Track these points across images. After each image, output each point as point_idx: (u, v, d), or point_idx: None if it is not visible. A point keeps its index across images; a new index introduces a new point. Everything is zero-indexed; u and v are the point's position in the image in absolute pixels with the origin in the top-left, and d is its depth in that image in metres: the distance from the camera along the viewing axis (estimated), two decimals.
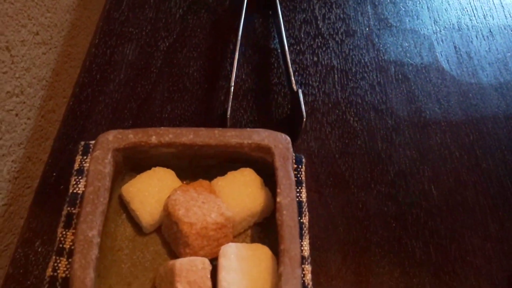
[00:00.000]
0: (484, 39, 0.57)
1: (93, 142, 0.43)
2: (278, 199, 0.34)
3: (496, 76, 0.54)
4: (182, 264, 0.32)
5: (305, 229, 0.41)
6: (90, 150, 0.43)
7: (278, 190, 0.34)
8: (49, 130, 0.53)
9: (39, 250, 0.39)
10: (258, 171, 0.39)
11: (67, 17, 0.57)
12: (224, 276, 0.32)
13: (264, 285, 0.32)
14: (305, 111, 0.44)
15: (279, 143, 0.37)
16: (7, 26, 0.43)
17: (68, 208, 0.40)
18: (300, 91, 0.45)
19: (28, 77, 0.47)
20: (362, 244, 0.41)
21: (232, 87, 0.46)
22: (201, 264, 0.32)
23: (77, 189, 0.41)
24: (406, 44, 0.55)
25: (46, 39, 0.52)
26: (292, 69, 0.49)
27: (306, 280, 0.38)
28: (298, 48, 0.54)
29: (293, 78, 0.47)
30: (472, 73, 0.54)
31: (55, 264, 0.37)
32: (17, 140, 0.46)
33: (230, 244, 0.34)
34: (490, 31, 0.58)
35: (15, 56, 0.44)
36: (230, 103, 0.45)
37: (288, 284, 0.30)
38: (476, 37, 0.57)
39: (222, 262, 0.33)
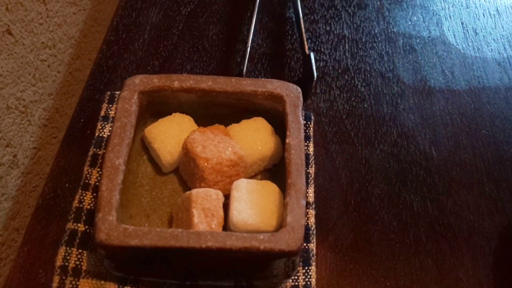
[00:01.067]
0: (491, 17, 0.59)
1: (118, 92, 0.47)
2: (287, 140, 0.37)
3: (500, 51, 0.56)
4: (198, 192, 0.35)
5: (311, 178, 0.44)
6: (115, 99, 0.46)
7: (288, 133, 0.37)
8: (75, 88, 0.57)
9: (66, 186, 0.43)
10: (269, 121, 0.42)
11: None
12: (235, 206, 0.36)
13: (272, 215, 0.35)
14: (316, 75, 0.47)
15: (290, 92, 0.40)
16: None
17: (94, 149, 0.43)
18: (312, 54, 0.48)
19: (59, 32, 0.51)
20: (364, 196, 0.44)
21: (248, 50, 0.49)
22: (215, 194, 0.36)
23: (103, 133, 0.45)
24: (415, 18, 0.58)
25: (77, 0, 0.55)
26: (305, 36, 0.52)
27: (310, 223, 0.41)
28: (312, 17, 0.57)
29: (306, 44, 0.50)
30: (477, 48, 0.56)
31: (81, 197, 0.41)
32: (48, 90, 0.50)
33: (242, 179, 0.37)
34: (497, 9, 0.60)
35: (50, 10, 0.48)
36: (245, 65, 0.49)
37: (293, 212, 0.34)
38: (483, 14, 0.60)
39: (234, 194, 0.36)
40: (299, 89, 0.40)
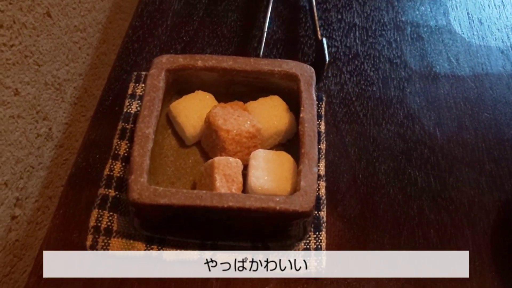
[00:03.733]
0: (496, 8, 0.62)
1: (144, 72, 0.51)
2: (301, 115, 0.40)
3: (504, 40, 0.59)
4: (220, 160, 0.39)
5: (322, 154, 0.47)
6: (142, 78, 0.50)
7: (302, 108, 0.41)
8: (101, 70, 0.61)
9: (97, 156, 0.46)
10: (284, 99, 0.45)
11: None
12: (253, 173, 0.39)
13: (286, 181, 0.39)
14: (328, 59, 0.51)
15: (304, 71, 0.43)
16: None
17: (123, 124, 0.47)
18: (324, 39, 0.52)
19: (89, 17, 0.55)
20: (371, 171, 0.48)
21: (264, 36, 0.53)
22: (235, 162, 0.39)
23: (130, 109, 0.48)
24: (423, 8, 0.61)
25: None
26: (318, 23, 0.55)
27: (320, 193, 0.44)
28: (324, 6, 0.60)
29: (318, 30, 0.54)
30: (482, 37, 0.59)
31: (111, 166, 0.45)
32: (78, 70, 0.53)
33: (259, 149, 0.41)
34: (502, 1, 0.63)
35: None
36: (262, 50, 0.52)
37: (306, 178, 0.37)
38: (489, 5, 0.62)
39: (252, 162, 0.40)
40: (312, 69, 0.44)
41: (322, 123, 0.49)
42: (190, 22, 0.57)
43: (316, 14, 0.55)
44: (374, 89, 0.54)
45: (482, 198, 0.47)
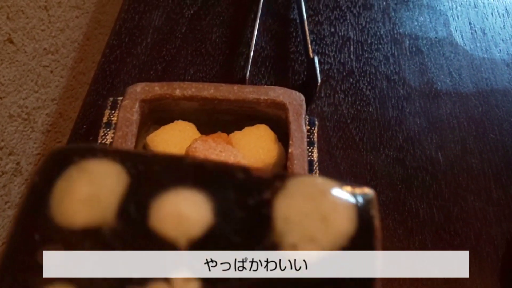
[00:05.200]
0: (500, 17, 0.58)
1: (121, 98, 0.47)
2: (290, 150, 0.36)
3: (509, 52, 0.55)
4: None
5: None
6: (118, 105, 0.46)
7: (290, 142, 0.37)
8: (79, 91, 0.57)
9: None
10: (273, 128, 0.41)
11: None
12: None
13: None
14: (320, 78, 0.47)
15: (293, 100, 0.39)
16: None
17: None
18: (316, 58, 0.48)
19: (62, 37, 0.51)
20: None
21: (252, 53, 0.49)
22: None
23: (105, 140, 0.44)
24: (422, 19, 0.57)
25: (79, 4, 0.55)
26: (309, 38, 0.51)
27: None
28: (316, 19, 0.56)
29: (310, 46, 0.50)
30: (485, 48, 0.55)
31: None
32: (51, 95, 0.49)
33: None
34: (506, 9, 0.59)
35: (52, 16, 0.48)
36: (249, 69, 0.48)
37: None
38: (492, 14, 0.58)
39: None
40: (302, 97, 0.40)
41: (315, 151, 0.45)
42: (172, 40, 0.53)
43: (307, 28, 0.51)
44: (370, 109, 0.50)
45: (489, 230, 0.43)
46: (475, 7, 0.59)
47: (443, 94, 0.51)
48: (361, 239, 0.19)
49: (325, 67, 0.52)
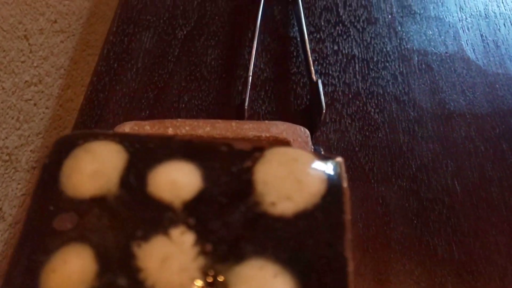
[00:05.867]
0: None
1: (110, 131, 0.43)
2: None
3: None
4: None
5: None
6: None
7: None
8: (67, 120, 0.53)
9: None
10: None
11: (85, 5, 0.57)
12: None
13: None
14: (325, 102, 0.43)
15: (298, 136, 0.36)
16: (25, 14, 0.43)
17: None
18: (319, 81, 0.44)
19: (46, 65, 0.47)
20: (382, 241, 0.40)
21: (250, 77, 0.45)
22: None
23: None
24: (430, 32, 0.54)
25: (64, 27, 0.51)
26: (311, 58, 0.48)
27: None
28: (318, 36, 0.52)
29: (312, 68, 0.46)
30: (499, 63, 0.52)
31: None
32: (36, 129, 0.46)
33: None
34: None
35: (33, 44, 0.44)
36: (248, 94, 0.45)
37: None
38: (504, 25, 0.55)
39: None
40: (307, 132, 0.36)
41: None
42: (164, 64, 0.50)
43: (308, 47, 0.48)
44: (380, 135, 0.46)
45: None
46: (486, 17, 0.55)
47: (457, 115, 0.48)
48: (331, 196, 0.22)
49: (329, 89, 0.49)
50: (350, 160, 0.44)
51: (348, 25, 0.54)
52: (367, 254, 0.40)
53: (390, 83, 0.49)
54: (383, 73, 0.50)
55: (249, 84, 0.45)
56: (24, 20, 0.43)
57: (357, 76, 0.50)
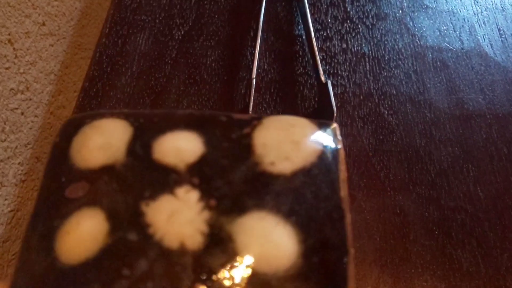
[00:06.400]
0: None
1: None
2: None
3: None
4: None
5: None
6: None
7: None
8: (58, 128, 0.50)
9: None
10: None
11: (76, 5, 0.54)
12: None
13: None
14: (335, 105, 0.40)
15: None
16: (8, 17, 0.40)
17: None
18: (329, 82, 0.41)
19: (34, 71, 0.44)
20: (401, 255, 0.37)
21: (254, 79, 0.42)
22: None
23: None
24: (444, 28, 0.50)
25: (53, 30, 0.48)
26: (319, 57, 0.44)
27: None
28: (325, 34, 0.49)
29: (320, 68, 0.43)
30: None
31: None
32: (24, 140, 0.43)
33: None
34: None
35: (18, 49, 0.41)
36: (252, 97, 0.41)
37: None
38: None
39: None
40: None
41: None
42: (161, 67, 0.46)
43: (315, 46, 0.44)
44: (394, 138, 0.43)
45: None
46: (503, 10, 0.52)
47: (476, 116, 0.44)
48: (327, 156, 0.23)
49: (339, 91, 0.45)
50: (363, 167, 0.41)
51: (357, 21, 0.50)
52: (385, 269, 0.36)
53: (403, 82, 0.46)
54: (395, 72, 0.47)
55: (253, 86, 0.42)
56: (8, 23, 0.39)
57: (368, 76, 0.46)
